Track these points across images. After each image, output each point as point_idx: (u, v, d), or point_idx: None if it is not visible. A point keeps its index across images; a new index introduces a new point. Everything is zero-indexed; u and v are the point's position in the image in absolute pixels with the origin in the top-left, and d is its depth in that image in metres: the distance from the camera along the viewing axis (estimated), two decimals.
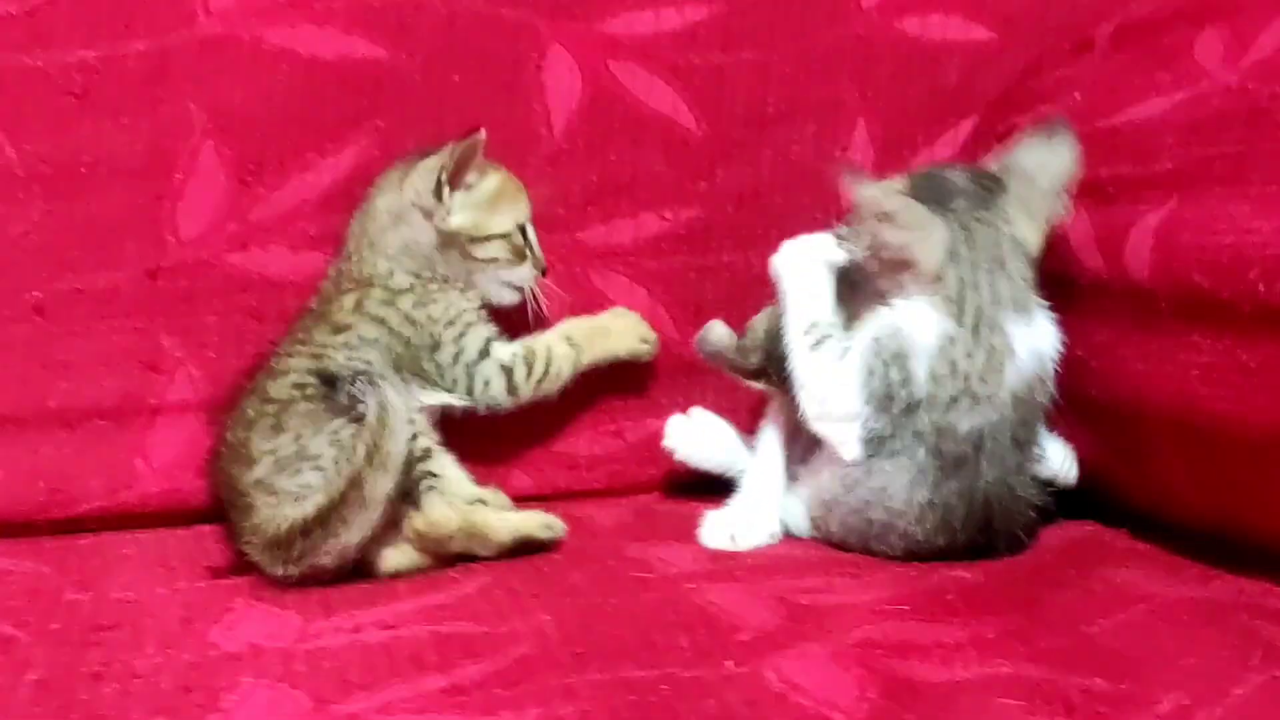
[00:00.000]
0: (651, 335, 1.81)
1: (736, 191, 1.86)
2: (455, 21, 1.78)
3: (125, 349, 1.68)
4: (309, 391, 1.57)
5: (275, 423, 1.54)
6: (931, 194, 1.49)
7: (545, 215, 1.78)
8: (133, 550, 1.56)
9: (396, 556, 1.49)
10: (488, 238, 1.69)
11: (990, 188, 1.49)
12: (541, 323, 1.76)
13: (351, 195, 1.72)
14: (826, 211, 1.73)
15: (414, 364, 1.65)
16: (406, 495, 1.50)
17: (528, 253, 1.72)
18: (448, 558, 1.50)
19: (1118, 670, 1.13)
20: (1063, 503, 1.57)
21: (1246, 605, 1.26)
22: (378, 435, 1.43)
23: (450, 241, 1.68)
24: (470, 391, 1.68)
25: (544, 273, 1.74)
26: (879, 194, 1.50)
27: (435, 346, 1.66)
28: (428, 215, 1.67)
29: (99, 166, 1.67)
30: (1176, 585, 1.34)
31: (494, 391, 1.69)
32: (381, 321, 1.65)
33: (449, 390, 1.67)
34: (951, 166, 1.60)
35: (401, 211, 1.68)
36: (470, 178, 1.67)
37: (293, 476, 1.50)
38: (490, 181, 1.70)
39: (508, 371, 1.69)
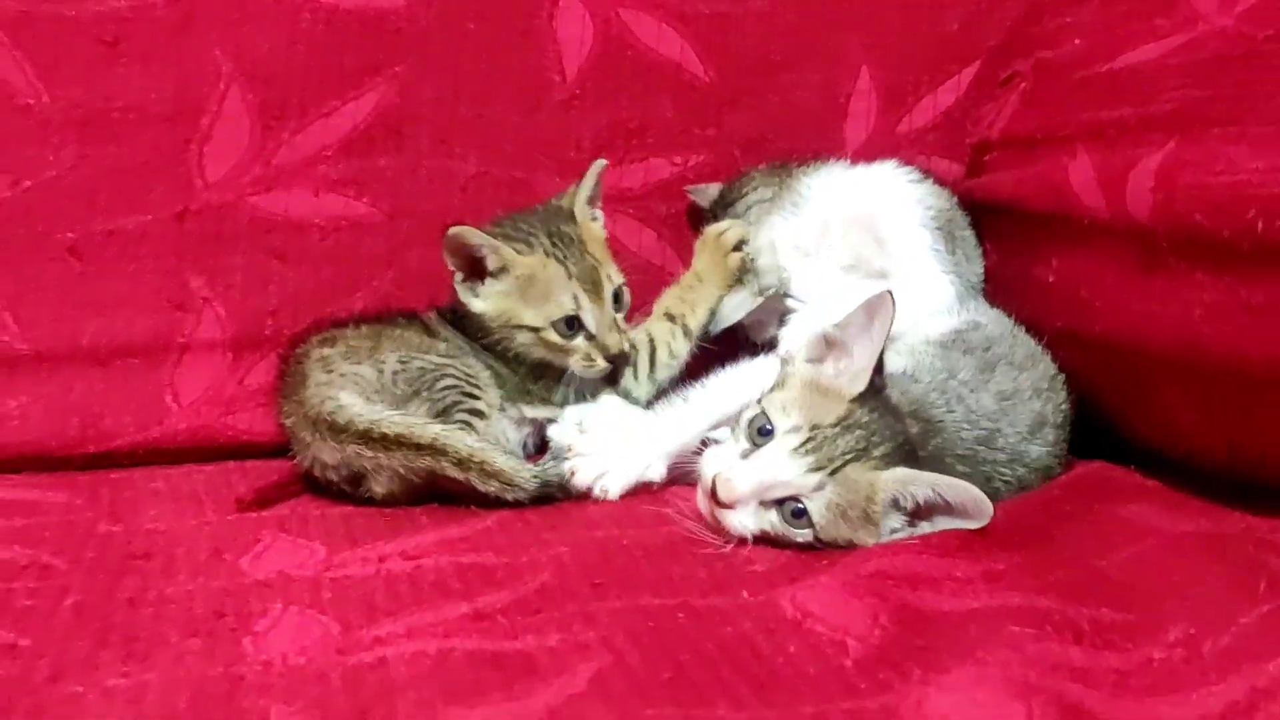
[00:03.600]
0: (730, 243, 1.73)
1: (743, 137, 1.84)
2: None
3: (155, 288, 1.66)
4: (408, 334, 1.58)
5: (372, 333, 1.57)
6: None
7: (559, 159, 1.77)
8: (162, 485, 1.54)
9: (383, 482, 1.47)
10: (518, 327, 1.60)
11: None
12: None
13: (371, 139, 1.71)
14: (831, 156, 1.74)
15: (516, 386, 1.62)
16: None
17: (577, 344, 1.59)
18: (431, 489, 1.47)
19: (1126, 601, 1.11)
20: (1072, 443, 1.56)
21: (1253, 539, 1.24)
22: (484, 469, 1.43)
23: (482, 323, 1.61)
24: (582, 399, 1.63)
25: (617, 360, 1.61)
26: None
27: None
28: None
29: (129, 112, 1.65)
30: (1183, 520, 1.31)
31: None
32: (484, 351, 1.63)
33: (560, 406, 1.63)
34: None
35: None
36: (491, 264, 1.57)
37: (350, 364, 1.51)
38: (521, 270, 1.58)
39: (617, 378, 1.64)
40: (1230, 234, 1.25)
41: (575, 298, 1.58)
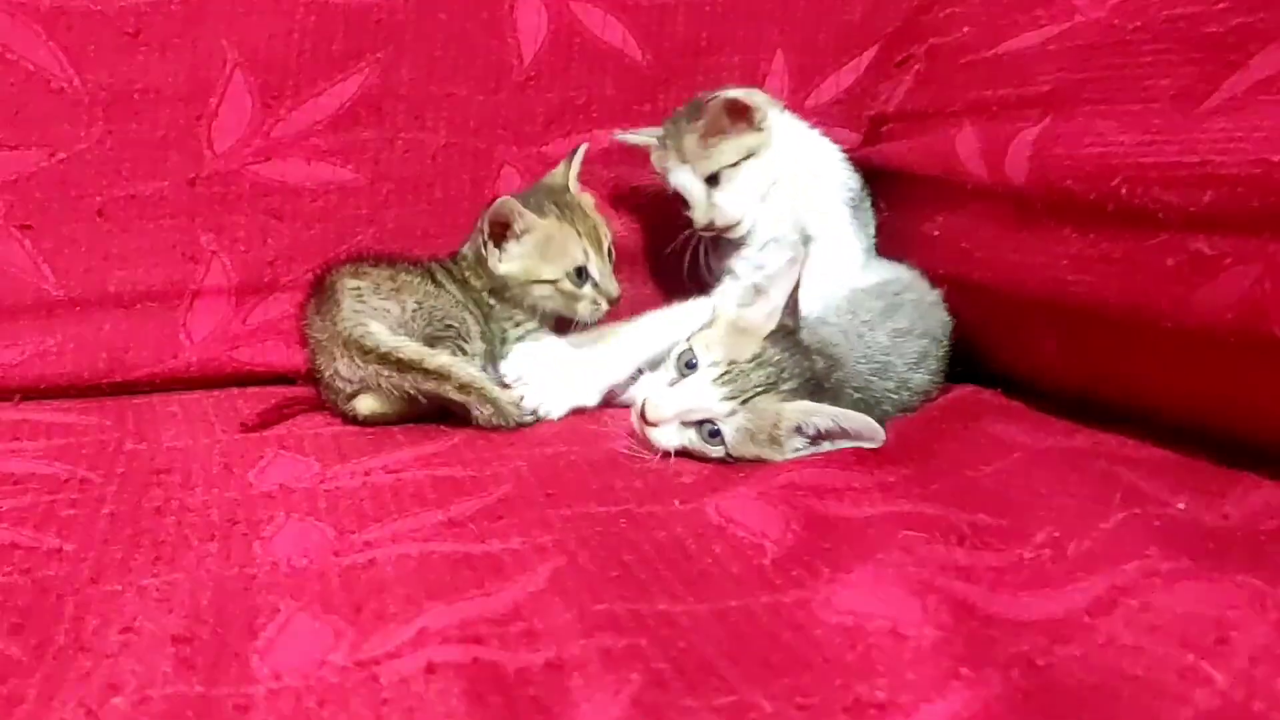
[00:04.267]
0: None
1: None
2: None
3: (170, 244, 1.64)
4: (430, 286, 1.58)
5: (394, 275, 1.56)
6: None
7: (516, 132, 1.75)
8: (178, 409, 1.53)
9: (370, 403, 1.48)
10: (537, 281, 1.61)
11: None
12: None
13: (356, 115, 1.69)
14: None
15: (488, 348, 1.62)
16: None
17: (585, 292, 1.61)
18: (415, 407, 1.47)
19: (999, 508, 1.11)
20: (949, 370, 1.56)
21: (1106, 453, 1.25)
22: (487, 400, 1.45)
23: (504, 283, 1.62)
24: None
25: (612, 303, 1.63)
26: None
27: (503, 340, 1.63)
28: (482, 262, 1.61)
29: (149, 93, 1.62)
30: (1045, 437, 1.32)
31: None
32: (478, 305, 1.63)
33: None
34: None
35: (471, 250, 1.64)
36: (517, 227, 1.59)
37: (380, 299, 1.51)
38: (539, 231, 1.60)
39: None
40: (1096, 197, 1.25)
41: (585, 251, 1.60)
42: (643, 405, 1.32)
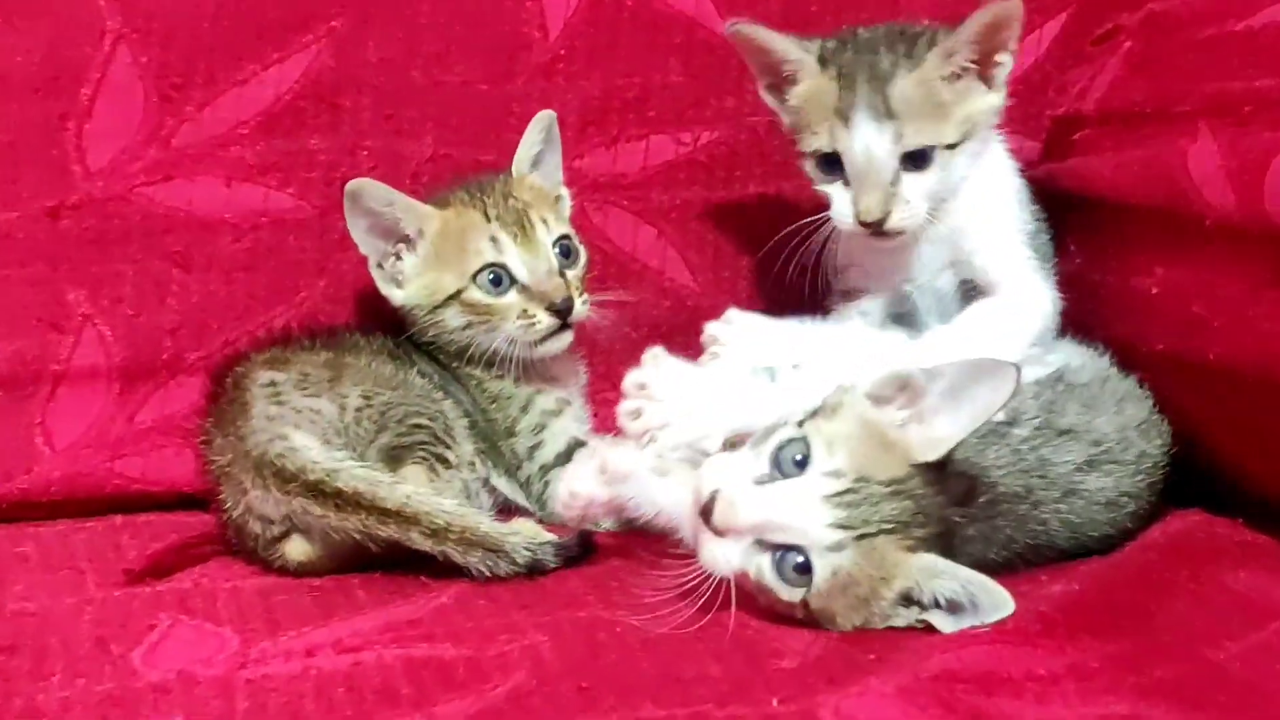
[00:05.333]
0: None
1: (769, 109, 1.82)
2: None
3: (21, 304, 1.67)
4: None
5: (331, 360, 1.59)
6: None
7: None
8: (32, 549, 1.54)
9: (304, 547, 1.48)
10: (445, 303, 1.64)
11: None
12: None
13: (299, 114, 1.71)
14: None
15: (489, 443, 1.67)
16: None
17: (509, 300, 1.63)
18: (358, 553, 1.47)
19: (1255, 708, 1.10)
20: (1166, 488, 1.56)
21: None
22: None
23: (416, 322, 1.66)
24: (540, 502, 1.68)
25: (561, 311, 1.63)
26: None
27: (509, 431, 1.68)
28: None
29: None
30: None
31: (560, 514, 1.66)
32: (460, 384, 1.68)
33: (523, 487, 1.69)
34: None
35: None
36: (408, 224, 1.62)
37: (307, 397, 1.52)
38: (431, 227, 1.63)
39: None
40: None
41: (495, 240, 1.62)
42: (710, 498, 1.31)
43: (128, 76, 1.67)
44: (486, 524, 1.45)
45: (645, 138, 1.82)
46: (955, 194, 1.64)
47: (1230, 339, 1.46)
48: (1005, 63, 1.62)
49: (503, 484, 1.68)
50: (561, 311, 1.63)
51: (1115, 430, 1.52)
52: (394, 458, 1.51)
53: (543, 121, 1.70)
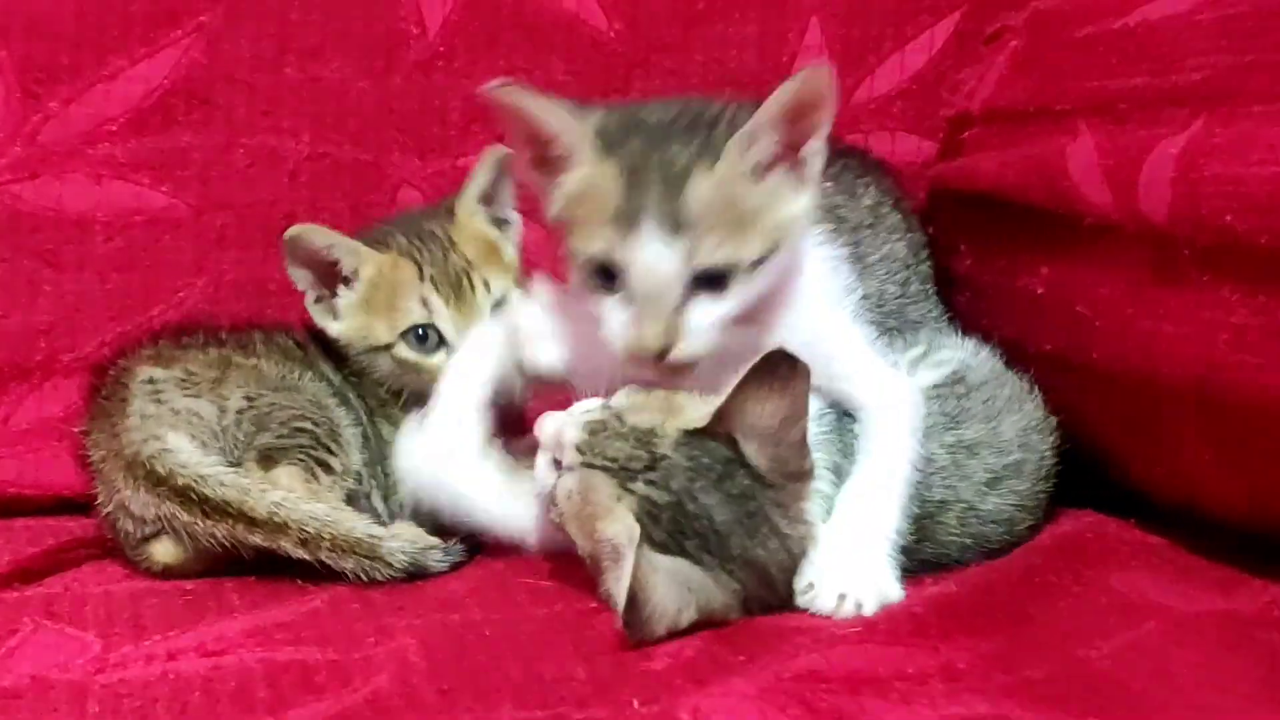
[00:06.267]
0: None
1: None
2: None
3: None
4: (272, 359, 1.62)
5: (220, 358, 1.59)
6: None
7: (418, 136, 1.79)
8: None
9: (171, 549, 1.49)
10: (374, 349, 1.64)
11: None
12: None
13: (170, 110, 1.71)
14: None
15: (376, 463, 1.65)
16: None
17: (438, 361, 1.62)
18: (229, 557, 1.47)
19: (1120, 708, 1.11)
20: (1060, 487, 1.58)
21: (1278, 620, 1.26)
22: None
23: (347, 352, 1.66)
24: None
25: None
26: None
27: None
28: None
29: None
30: (1194, 594, 1.33)
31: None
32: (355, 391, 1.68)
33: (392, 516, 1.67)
34: None
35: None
36: (347, 264, 1.62)
37: (187, 397, 1.53)
38: (368, 270, 1.63)
39: None
40: (1269, 241, 1.27)
41: (425, 302, 1.61)
42: None
43: None
44: (361, 528, 1.46)
45: None
46: (771, 307, 1.46)
47: (1112, 339, 1.49)
48: (817, 153, 1.43)
49: (380, 506, 1.65)
50: None
51: (1018, 434, 1.54)
52: (268, 458, 1.51)
53: (494, 158, 1.68)
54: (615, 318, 1.39)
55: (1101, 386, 1.53)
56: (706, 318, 1.38)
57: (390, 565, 1.45)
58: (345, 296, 1.62)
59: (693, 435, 1.34)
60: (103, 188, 1.70)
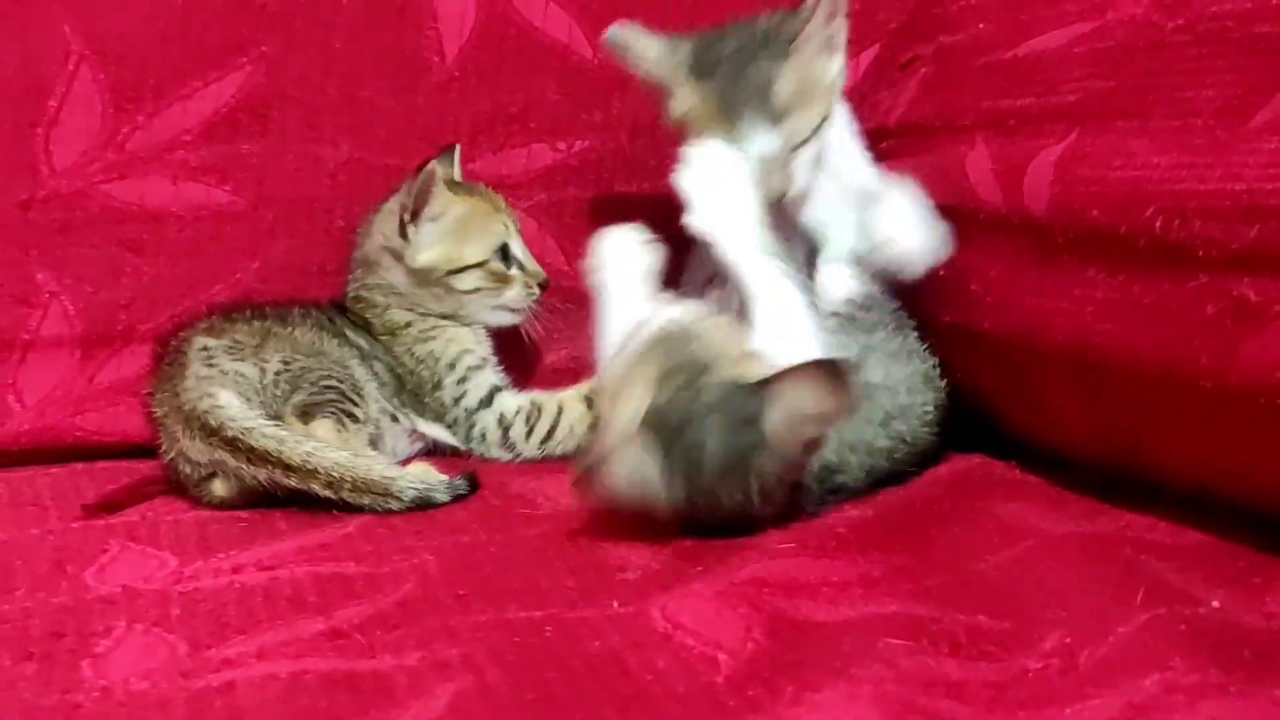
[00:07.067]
0: None
1: (631, 121, 1.88)
2: None
3: None
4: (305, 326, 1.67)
5: (262, 329, 1.62)
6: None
7: (436, 145, 1.78)
8: (3, 490, 1.55)
9: (223, 486, 1.51)
10: (463, 268, 1.71)
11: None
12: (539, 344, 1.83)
13: (235, 124, 1.72)
14: None
15: (414, 398, 1.72)
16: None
17: (514, 274, 1.74)
18: (268, 494, 1.49)
19: (1003, 608, 1.14)
20: (952, 434, 1.60)
21: (1131, 540, 1.28)
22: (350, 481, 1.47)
23: (426, 279, 1.72)
24: (467, 439, 1.72)
25: (544, 287, 1.76)
26: None
27: (437, 385, 1.72)
28: (398, 257, 1.70)
29: None
30: (1062, 520, 1.36)
31: (490, 443, 1.73)
32: (387, 351, 1.73)
33: (449, 429, 1.73)
34: None
35: (376, 257, 1.73)
36: (434, 209, 1.68)
37: (234, 361, 1.55)
38: (456, 209, 1.70)
39: (505, 427, 1.72)
40: (1127, 231, 1.29)
41: (505, 225, 1.71)
42: None
43: (88, 91, 1.67)
44: (377, 470, 1.48)
45: (527, 145, 1.85)
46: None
47: (999, 312, 1.50)
48: (840, 27, 1.60)
49: (430, 428, 1.73)
50: (544, 284, 1.75)
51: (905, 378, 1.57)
52: (306, 413, 1.54)
53: (457, 152, 1.80)
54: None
55: (991, 352, 1.54)
56: (803, 164, 1.58)
57: (400, 499, 1.47)
58: (428, 231, 1.69)
59: (739, 385, 1.35)
60: (177, 187, 1.72)
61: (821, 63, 1.59)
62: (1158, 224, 1.26)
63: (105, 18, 1.68)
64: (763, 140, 1.55)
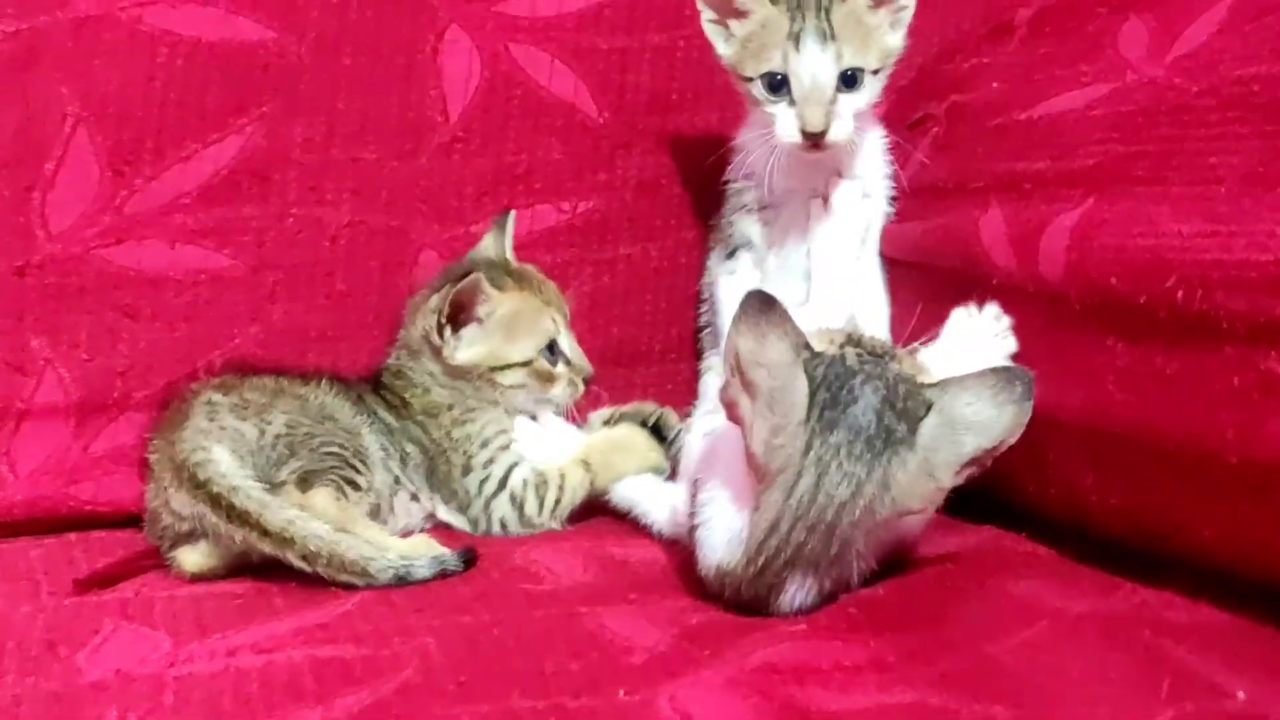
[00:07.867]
0: (662, 457, 1.78)
1: (636, 180, 1.87)
2: (347, 0, 1.76)
3: None
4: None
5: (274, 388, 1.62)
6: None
7: (439, 207, 1.78)
8: None
9: (196, 556, 1.49)
10: (507, 366, 1.70)
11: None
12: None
13: (235, 186, 1.72)
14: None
15: (444, 483, 1.70)
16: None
17: (560, 371, 1.73)
18: (245, 561, 1.48)
19: (1020, 697, 1.11)
20: (963, 505, 1.54)
21: (1149, 620, 1.25)
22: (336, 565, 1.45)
23: (466, 374, 1.70)
24: (487, 532, 1.70)
25: (589, 381, 1.75)
26: None
27: (466, 469, 1.70)
28: (437, 351, 1.69)
29: None
30: (1077, 597, 1.33)
31: (511, 529, 1.70)
32: (424, 431, 1.71)
33: (471, 523, 1.71)
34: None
35: (418, 346, 1.71)
36: (481, 310, 1.67)
37: (235, 419, 1.54)
38: (504, 308, 1.69)
39: (519, 506, 1.70)
40: (1147, 300, 1.27)
41: (554, 321, 1.70)
42: None
43: (85, 154, 1.67)
44: (355, 550, 1.45)
45: (531, 206, 1.84)
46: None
47: None
48: (907, 6, 1.67)
49: (451, 517, 1.71)
50: (588, 379, 1.74)
51: None
52: (305, 480, 1.52)
53: (511, 219, 1.79)
54: (785, 116, 1.64)
55: None
56: (849, 107, 1.64)
57: (376, 580, 1.44)
58: (473, 332, 1.68)
59: (912, 379, 1.33)
60: (176, 251, 1.70)
61: (880, 19, 1.67)
62: (1179, 294, 1.23)
63: (103, 78, 1.67)
64: (814, 52, 1.62)
